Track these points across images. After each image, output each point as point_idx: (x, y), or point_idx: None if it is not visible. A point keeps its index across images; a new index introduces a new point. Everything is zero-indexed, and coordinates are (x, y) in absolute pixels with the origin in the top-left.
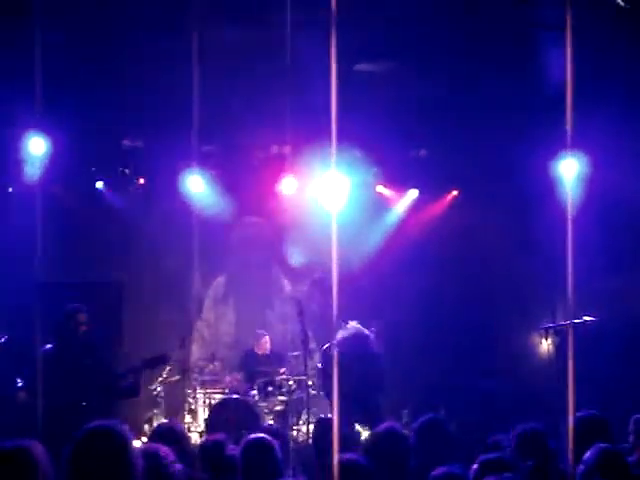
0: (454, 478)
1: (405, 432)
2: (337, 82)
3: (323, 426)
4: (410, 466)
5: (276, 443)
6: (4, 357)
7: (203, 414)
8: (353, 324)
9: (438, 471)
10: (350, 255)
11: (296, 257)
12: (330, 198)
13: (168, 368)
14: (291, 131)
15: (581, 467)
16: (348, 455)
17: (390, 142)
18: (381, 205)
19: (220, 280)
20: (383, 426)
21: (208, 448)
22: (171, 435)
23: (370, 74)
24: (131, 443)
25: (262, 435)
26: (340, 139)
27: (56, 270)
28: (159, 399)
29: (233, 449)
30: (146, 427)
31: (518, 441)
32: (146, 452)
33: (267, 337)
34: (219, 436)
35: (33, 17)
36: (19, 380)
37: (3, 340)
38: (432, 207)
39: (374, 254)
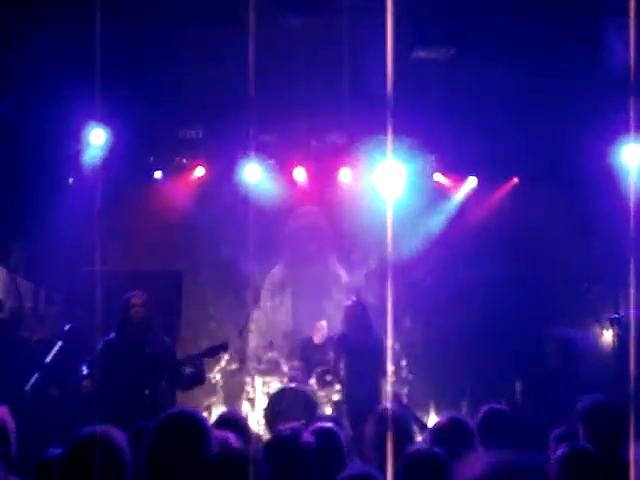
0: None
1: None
2: (394, 69)
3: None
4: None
5: (342, 432)
6: (69, 346)
7: (261, 403)
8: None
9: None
10: (406, 244)
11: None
12: (387, 187)
13: (227, 357)
14: (349, 120)
15: None
16: (419, 445)
17: (448, 130)
18: (438, 194)
19: (277, 269)
20: (446, 416)
21: (284, 436)
22: (235, 423)
23: (428, 61)
24: (209, 429)
25: (330, 424)
26: (397, 127)
27: (116, 259)
28: (218, 388)
29: (308, 437)
30: (205, 415)
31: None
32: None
33: (324, 326)
34: (295, 424)
35: (92, 9)
36: (83, 368)
37: (67, 329)
38: (491, 195)
39: (431, 243)
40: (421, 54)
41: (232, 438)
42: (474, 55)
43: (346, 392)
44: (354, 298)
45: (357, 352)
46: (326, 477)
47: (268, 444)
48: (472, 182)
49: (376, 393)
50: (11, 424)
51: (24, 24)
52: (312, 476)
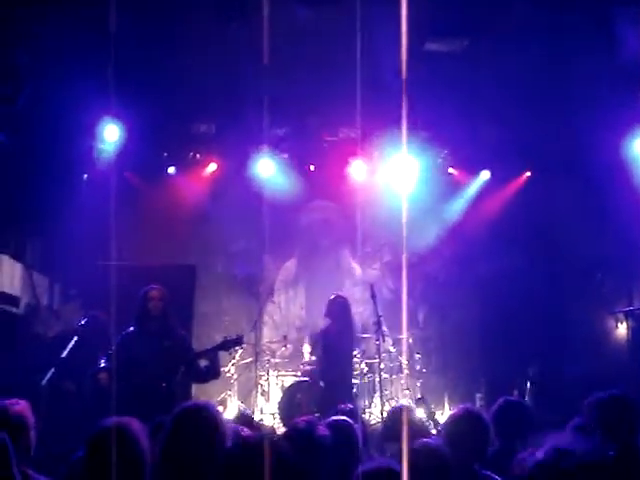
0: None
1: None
2: (407, 62)
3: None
4: (489, 450)
5: (356, 425)
6: (86, 339)
7: (275, 396)
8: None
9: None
10: (420, 238)
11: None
12: (400, 181)
13: (241, 350)
14: (361, 114)
15: None
16: (426, 440)
17: (461, 122)
18: (452, 187)
19: (290, 263)
20: (460, 408)
21: (299, 429)
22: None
23: (441, 53)
24: (224, 422)
25: (344, 417)
26: (411, 120)
27: (130, 254)
28: (232, 381)
29: (323, 430)
30: (220, 409)
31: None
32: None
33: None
34: (310, 417)
35: (106, 6)
36: (101, 361)
37: (84, 322)
38: (505, 188)
39: (445, 237)
40: (434, 46)
41: (246, 431)
42: (488, 47)
43: (321, 383)
44: (338, 293)
45: (335, 346)
46: (341, 470)
47: (284, 437)
48: (485, 175)
49: (346, 386)
50: (31, 419)
51: (37, 22)
52: (327, 469)
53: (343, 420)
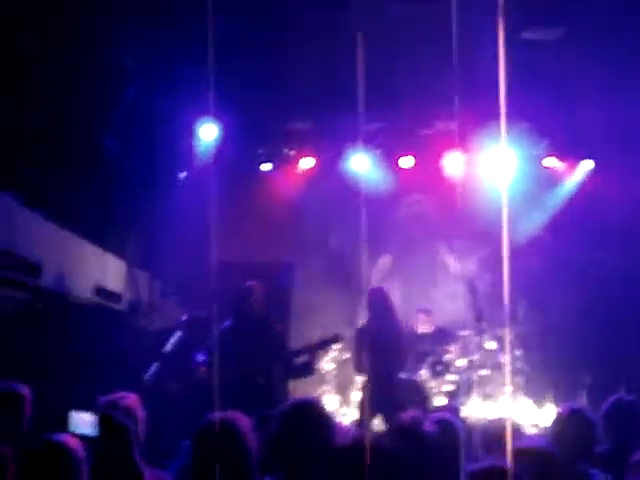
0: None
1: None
2: (504, 51)
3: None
4: (600, 450)
5: (460, 424)
6: (186, 336)
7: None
8: None
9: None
10: (518, 231)
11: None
12: (497, 173)
13: (339, 346)
14: (457, 106)
15: None
16: (532, 440)
17: (560, 112)
18: (551, 178)
19: (386, 259)
20: (565, 407)
21: (405, 425)
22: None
23: (537, 42)
24: (333, 419)
25: (449, 415)
26: (508, 111)
27: (228, 251)
28: (330, 377)
29: (429, 426)
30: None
31: None
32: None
33: (425, 316)
34: (415, 413)
35: (204, 6)
36: (199, 356)
37: (185, 319)
38: (606, 178)
39: (544, 230)
40: (531, 35)
41: (354, 429)
42: (585, 34)
43: (368, 379)
44: (378, 285)
45: (378, 339)
46: (446, 467)
47: (389, 433)
48: (586, 165)
49: (391, 381)
50: (141, 412)
51: (138, 25)
52: (433, 465)
53: (448, 416)
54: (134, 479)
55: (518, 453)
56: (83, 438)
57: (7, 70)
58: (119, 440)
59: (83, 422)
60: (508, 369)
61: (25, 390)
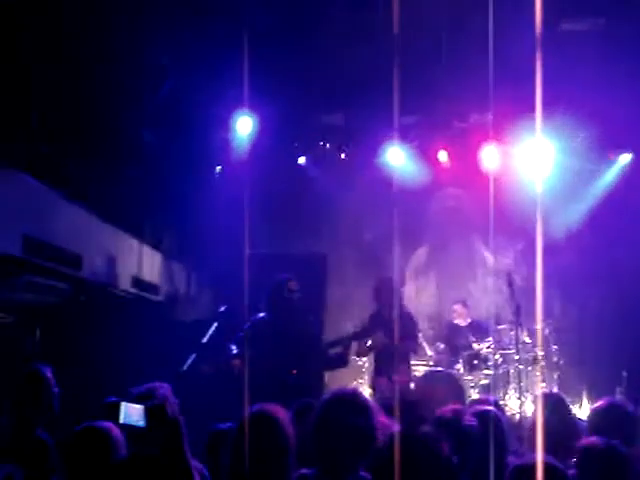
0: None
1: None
2: (542, 42)
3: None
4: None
5: (504, 416)
6: (224, 326)
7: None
8: None
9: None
10: (556, 225)
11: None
12: (534, 166)
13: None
14: (493, 98)
15: None
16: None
17: (599, 104)
18: (590, 172)
19: (420, 252)
20: (604, 401)
21: (446, 418)
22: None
23: (576, 33)
24: (373, 410)
25: (491, 407)
26: (546, 103)
27: (263, 243)
28: (364, 369)
29: (470, 420)
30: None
31: None
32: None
33: (461, 307)
34: (457, 406)
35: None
36: (232, 347)
37: (222, 310)
38: None
39: (582, 224)
40: (570, 26)
41: (394, 423)
42: (624, 25)
43: (374, 367)
44: (386, 275)
45: (387, 328)
46: (489, 461)
47: (431, 427)
48: (625, 158)
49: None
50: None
51: (175, 21)
52: (475, 459)
53: (490, 409)
54: (184, 472)
55: (584, 451)
56: (133, 429)
57: (54, 68)
58: (170, 432)
59: (134, 413)
60: (543, 364)
61: (48, 372)
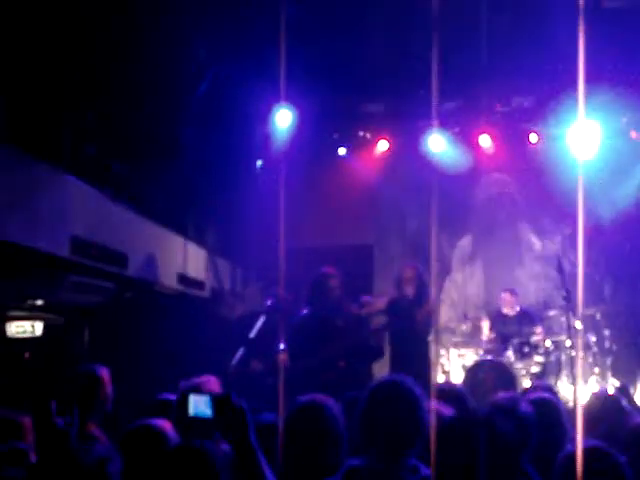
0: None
1: None
2: (584, 21)
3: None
4: None
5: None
6: (271, 321)
7: (457, 375)
8: None
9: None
10: (603, 208)
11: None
12: (580, 148)
13: None
14: (535, 80)
15: None
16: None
17: None
18: (637, 151)
19: (466, 240)
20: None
21: (502, 405)
22: (452, 394)
23: (619, 10)
24: (423, 399)
25: (548, 394)
26: (588, 83)
27: (307, 236)
28: None
29: (527, 407)
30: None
31: None
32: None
33: (510, 296)
34: (512, 393)
35: None
36: (280, 344)
37: (269, 304)
38: None
39: (630, 205)
40: (612, 4)
41: (446, 409)
42: None
43: (391, 355)
44: (408, 263)
45: (405, 315)
46: (547, 448)
47: (487, 414)
48: None
49: (419, 358)
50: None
51: (212, 15)
52: (532, 446)
53: (547, 396)
54: (251, 462)
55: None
56: (201, 420)
57: (98, 70)
58: (237, 422)
59: (201, 403)
60: (595, 349)
61: (104, 372)
